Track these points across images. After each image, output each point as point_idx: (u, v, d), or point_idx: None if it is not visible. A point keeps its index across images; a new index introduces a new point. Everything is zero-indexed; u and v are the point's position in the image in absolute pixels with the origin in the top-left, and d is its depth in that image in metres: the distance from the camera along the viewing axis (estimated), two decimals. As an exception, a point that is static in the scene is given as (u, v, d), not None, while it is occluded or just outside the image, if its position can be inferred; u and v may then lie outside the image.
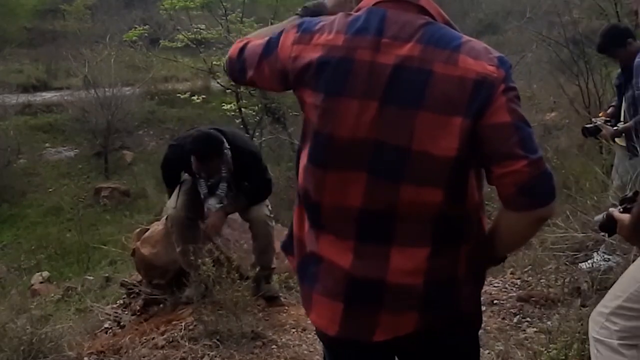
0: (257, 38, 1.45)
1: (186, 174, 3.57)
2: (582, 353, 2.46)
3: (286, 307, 3.57)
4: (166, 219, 3.60)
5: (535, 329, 3.14)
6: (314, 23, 1.33)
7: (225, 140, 3.34)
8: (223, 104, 10.69)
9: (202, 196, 3.47)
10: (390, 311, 1.31)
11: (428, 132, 1.21)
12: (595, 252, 3.64)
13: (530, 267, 3.88)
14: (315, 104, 1.28)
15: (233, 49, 1.48)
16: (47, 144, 13.74)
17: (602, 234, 2.62)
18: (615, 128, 3.81)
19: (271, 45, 1.38)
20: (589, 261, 3.60)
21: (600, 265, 3.40)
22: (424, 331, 1.32)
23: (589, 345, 2.46)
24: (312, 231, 1.38)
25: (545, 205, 1.24)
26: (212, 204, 3.46)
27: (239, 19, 10.89)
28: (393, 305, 1.31)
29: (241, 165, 3.45)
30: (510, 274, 3.92)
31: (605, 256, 3.48)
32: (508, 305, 3.48)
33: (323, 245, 1.35)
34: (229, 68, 1.51)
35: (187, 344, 3.04)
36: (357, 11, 1.32)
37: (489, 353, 2.87)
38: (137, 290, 3.73)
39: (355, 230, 1.30)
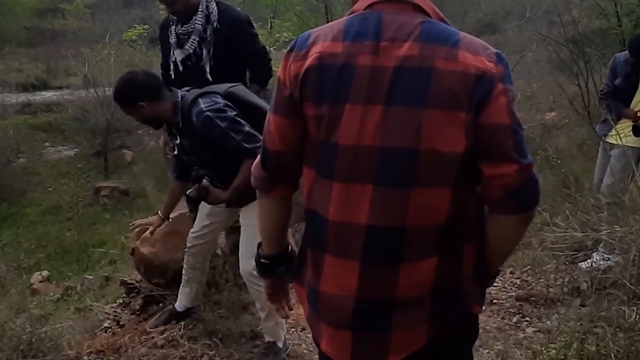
0: None
1: None
2: (582, 353, 2.47)
3: (285, 307, 3.55)
4: None
5: (534, 329, 3.15)
6: (306, 37, 1.31)
7: None
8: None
9: (170, 44, 3.02)
10: (401, 330, 1.29)
11: (435, 129, 1.19)
12: (595, 252, 3.65)
13: (529, 266, 3.89)
14: (319, 115, 1.26)
15: (254, 167, 1.44)
16: (46, 143, 13.72)
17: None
18: None
19: (273, 100, 1.36)
20: (589, 261, 3.61)
21: (600, 264, 3.40)
22: (433, 342, 1.30)
23: (588, 344, 2.47)
24: (316, 254, 1.34)
25: (529, 210, 1.27)
26: (177, 56, 3.02)
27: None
28: (402, 322, 1.28)
29: (228, 25, 2.99)
30: (510, 273, 3.92)
31: (605, 255, 3.48)
32: (507, 304, 3.48)
33: (327, 269, 1.32)
34: (259, 178, 1.44)
35: (186, 343, 3.04)
36: (351, 14, 1.31)
37: (488, 353, 2.87)
38: (138, 288, 3.72)
39: (361, 251, 1.26)
